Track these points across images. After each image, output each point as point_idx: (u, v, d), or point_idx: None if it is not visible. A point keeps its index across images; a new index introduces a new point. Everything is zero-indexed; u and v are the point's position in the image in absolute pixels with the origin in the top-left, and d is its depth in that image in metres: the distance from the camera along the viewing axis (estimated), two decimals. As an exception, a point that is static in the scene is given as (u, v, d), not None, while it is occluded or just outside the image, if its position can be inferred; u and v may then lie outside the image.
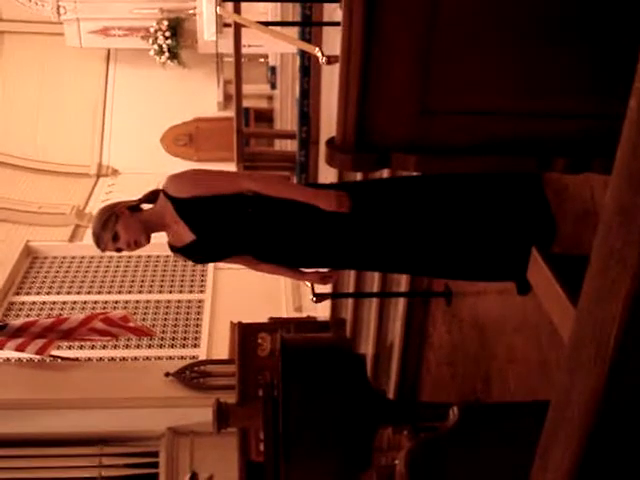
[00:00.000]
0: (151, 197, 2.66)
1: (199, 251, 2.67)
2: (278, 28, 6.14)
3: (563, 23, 1.52)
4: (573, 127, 1.60)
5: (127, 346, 8.02)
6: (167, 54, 11.60)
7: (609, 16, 1.50)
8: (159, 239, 2.75)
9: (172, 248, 2.70)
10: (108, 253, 2.75)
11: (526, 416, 1.59)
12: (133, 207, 2.63)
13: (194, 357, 7.49)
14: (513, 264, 2.51)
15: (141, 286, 9.16)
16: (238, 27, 6.14)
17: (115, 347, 7.94)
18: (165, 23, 11.45)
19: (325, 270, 2.88)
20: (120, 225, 2.54)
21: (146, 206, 2.67)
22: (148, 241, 2.63)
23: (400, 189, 2.61)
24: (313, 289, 3.78)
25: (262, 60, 12.25)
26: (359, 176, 4.38)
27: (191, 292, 9.05)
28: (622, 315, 0.90)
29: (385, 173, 3.76)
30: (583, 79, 1.57)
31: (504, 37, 1.52)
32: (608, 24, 1.50)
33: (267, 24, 5.11)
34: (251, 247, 2.66)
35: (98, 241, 2.60)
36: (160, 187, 2.63)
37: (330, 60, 2.84)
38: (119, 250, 2.62)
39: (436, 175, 2.58)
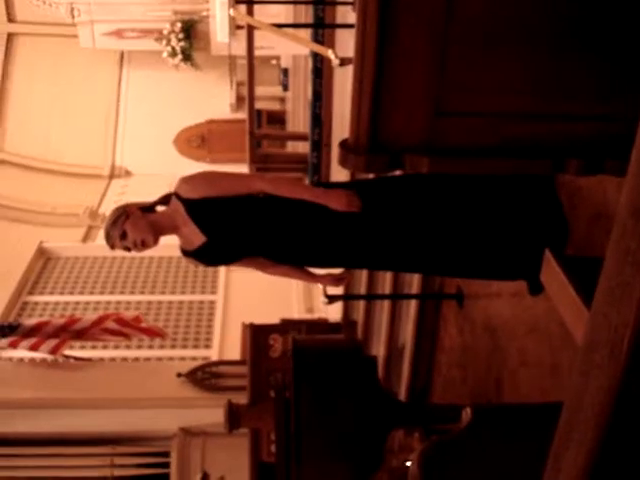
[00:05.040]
0: (165, 200, 2.69)
1: (210, 253, 2.68)
2: (291, 30, 6.15)
3: (578, 26, 1.51)
4: (587, 129, 1.60)
5: (139, 346, 8.04)
6: (180, 56, 11.64)
7: (622, 20, 1.49)
8: (171, 240, 2.77)
9: (184, 252, 2.72)
10: (120, 254, 2.78)
11: (539, 417, 1.59)
12: (146, 208, 2.65)
13: (206, 358, 7.49)
14: (526, 264, 2.51)
15: (153, 287, 9.19)
16: (251, 29, 6.17)
17: (127, 347, 7.96)
18: (178, 25, 11.49)
19: (338, 272, 2.88)
20: (129, 223, 2.57)
21: (160, 209, 2.70)
22: (156, 242, 2.64)
23: (412, 187, 2.60)
24: (325, 291, 3.79)
25: (274, 62, 12.27)
26: (372, 175, 4.38)
27: (203, 293, 9.07)
28: (636, 317, 0.90)
29: (397, 172, 3.75)
30: (597, 82, 1.56)
31: (519, 40, 1.52)
32: (621, 28, 1.50)
33: (280, 26, 5.13)
34: (262, 248, 2.67)
35: (107, 238, 2.63)
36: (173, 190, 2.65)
37: (343, 62, 2.86)
38: (127, 249, 2.63)
39: (449, 174, 2.58)
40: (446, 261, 2.65)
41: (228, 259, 2.80)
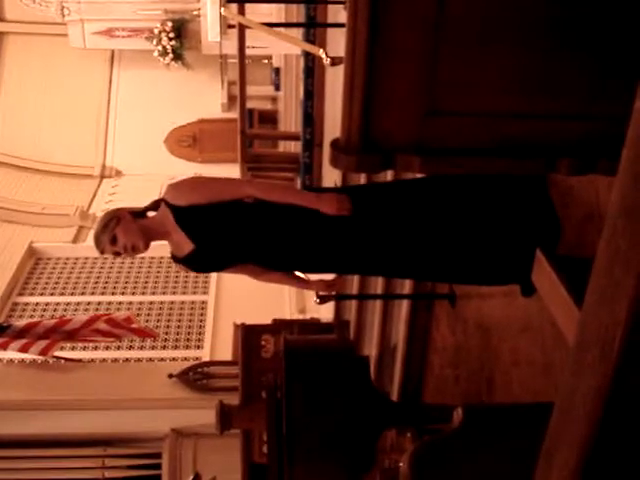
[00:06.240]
0: (155, 205, 2.67)
1: (199, 260, 2.66)
2: (282, 29, 6.14)
3: (568, 25, 1.51)
4: (578, 128, 1.60)
5: (130, 347, 8.02)
6: (171, 55, 11.62)
7: (614, 19, 1.49)
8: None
9: (174, 258, 2.70)
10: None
11: (531, 417, 1.59)
12: (137, 213, 2.64)
13: (197, 358, 7.48)
14: (517, 266, 2.51)
15: (145, 287, 9.16)
16: (242, 28, 6.15)
17: (118, 348, 7.94)
18: (169, 24, 11.46)
19: (329, 278, 2.88)
20: (120, 228, 2.55)
21: (151, 214, 2.68)
22: (146, 248, 2.63)
23: (403, 192, 2.60)
24: (317, 291, 3.78)
25: (266, 61, 12.26)
26: (363, 179, 4.37)
27: (194, 293, 9.04)
28: (627, 316, 0.90)
29: (389, 175, 3.75)
30: (588, 81, 1.56)
31: (510, 39, 1.52)
32: (612, 27, 1.50)
33: (271, 25, 5.12)
34: (253, 255, 2.65)
35: (97, 242, 2.61)
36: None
37: (334, 61, 2.85)
38: (117, 254, 2.61)
39: (439, 177, 2.58)
40: (438, 267, 2.64)
41: (218, 266, 2.79)
